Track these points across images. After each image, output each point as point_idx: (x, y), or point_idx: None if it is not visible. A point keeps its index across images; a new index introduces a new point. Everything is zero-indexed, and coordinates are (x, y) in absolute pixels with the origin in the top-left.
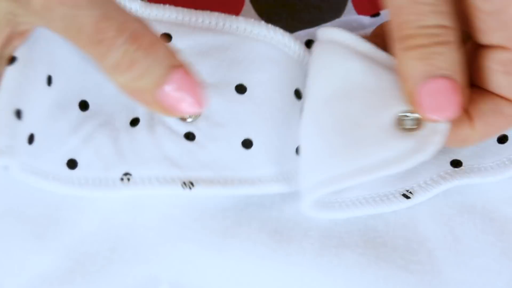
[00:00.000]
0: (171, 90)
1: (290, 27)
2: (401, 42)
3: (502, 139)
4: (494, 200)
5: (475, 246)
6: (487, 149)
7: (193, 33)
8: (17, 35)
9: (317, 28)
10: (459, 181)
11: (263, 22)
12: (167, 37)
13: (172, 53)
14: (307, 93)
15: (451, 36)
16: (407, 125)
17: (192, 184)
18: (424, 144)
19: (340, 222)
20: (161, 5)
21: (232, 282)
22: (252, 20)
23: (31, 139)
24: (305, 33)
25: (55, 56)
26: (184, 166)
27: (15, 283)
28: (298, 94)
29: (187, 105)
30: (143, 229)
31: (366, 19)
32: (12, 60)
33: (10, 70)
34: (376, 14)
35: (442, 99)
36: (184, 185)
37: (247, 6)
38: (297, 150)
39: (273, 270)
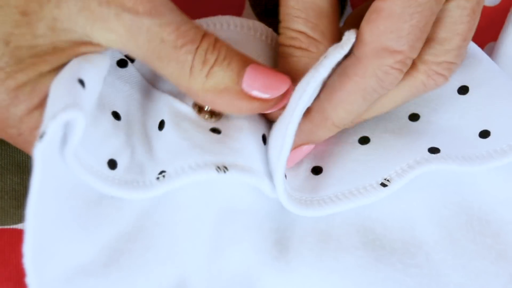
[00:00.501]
0: (250, 81)
1: None
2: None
3: (484, 134)
4: (490, 201)
5: (473, 248)
6: (467, 142)
7: None
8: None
9: None
10: (435, 165)
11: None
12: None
13: (241, 53)
14: None
15: (312, 46)
16: None
17: (226, 168)
18: None
19: (337, 225)
20: None
21: (238, 286)
22: (252, 21)
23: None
24: None
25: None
26: (216, 152)
27: (54, 271)
28: None
29: (268, 91)
30: (178, 228)
31: None
32: None
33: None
34: None
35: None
36: (218, 169)
37: (247, 10)
38: None
39: (274, 277)
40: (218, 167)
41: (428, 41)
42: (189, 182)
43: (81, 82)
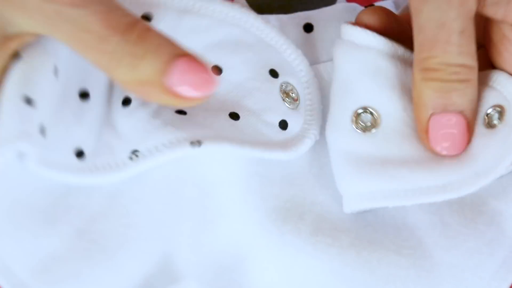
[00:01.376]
0: (178, 76)
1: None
2: (422, 72)
3: None
4: (482, 195)
5: (465, 231)
6: None
7: (172, 14)
8: (15, 37)
9: (318, 11)
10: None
11: (237, 6)
12: (146, 19)
13: (173, 43)
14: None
15: (471, 75)
16: None
17: (200, 141)
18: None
19: (332, 210)
20: None
21: (229, 259)
22: (228, 3)
23: (42, 130)
24: (305, 15)
25: (58, 45)
26: (187, 128)
27: (27, 266)
28: (273, 73)
29: (197, 89)
30: (157, 205)
31: (360, 9)
32: (16, 55)
33: (17, 63)
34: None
35: (448, 134)
36: (192, 144)
37: None
38: (280, 124)
39: (265, 249)
40: (192, 142)
41: None
42: (165, 160)
43: (28, 100)
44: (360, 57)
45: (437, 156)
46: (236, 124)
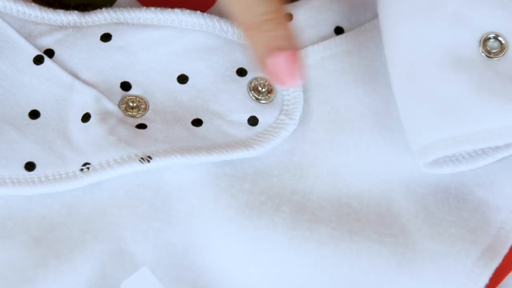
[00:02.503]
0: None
1: None
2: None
3: None
4: (467, 184)
5: (449, 219)
6: None
7: (133, 29)
8: None
9: (297, 2)
10: (435, 170)
11: (198, 12)
12: (106, 37)
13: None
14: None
15: (278, 14)
16: None
17: (149, 157)
18: None
19: (313, 199)
20: (98, 9)
21: (201, 259)
22: (188, 11)
23: None
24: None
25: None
26: (140, 145)
27: None
28: (241, 72)
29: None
30: (115, 208)
31: None
32: None
33: None
34: None
35: (283, 71)
36: (142, 160)
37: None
38: (249, 121)
39: (242, 246)
40: (142, 158)
41: None
42: (115, 175)
43: None
44: None
45: None
46: (197, 130)
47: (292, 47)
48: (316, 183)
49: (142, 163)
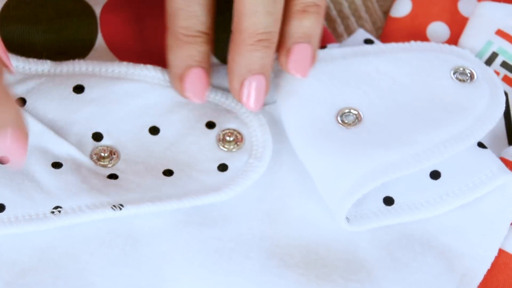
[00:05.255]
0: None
1: None
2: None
3: (435, 175)
4: (432, 230)
5: (414, 265)
6: (420, 184)
7: (106, 82)
8: None
9: None
10: (390, 221)
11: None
12: (79, 89)
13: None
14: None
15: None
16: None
17: (121, 205)
18: None
19: (281, 245)
20: (71, 61)
21: None
22: (160, 68)
23: None
24: None
25: None
26: (111, 193)
27: None
28: (210, 125)
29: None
30: (86, 255)
31: None
32: None
33: None
34: (323, 47)
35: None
36: (114, 207)
37: None
38: (219, 168)
39: None
40: (114, 206)
41: None
42: (86, 220)
43: None
44: None
45: None
46: (167, 180)
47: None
48: (284, 230)
49: (114, 210)
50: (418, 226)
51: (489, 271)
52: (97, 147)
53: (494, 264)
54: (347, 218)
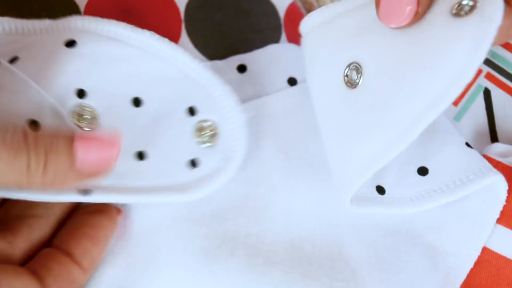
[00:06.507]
0: (85, 156)
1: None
2: None
3: (423, 172)
4: (417, 227)
5: (399, 264)
6: (408, 180)
7: (99, 40)
8: None
9: (251, 53)
10: (381, 210)
11: (167, 40)
12: (70, 44)
13: (59, 132)
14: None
15: None
16: None
17: (88, 191)
18: None
19: (266, 242)
20: (68, 17)
21: None
22: (157, 36)
23: None
24: (238, 58)
25: None
26: None
27: None
28: (191, 111)
29: (105, 162)
30: None
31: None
32: None
33: None
34: None
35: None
36: (81, 192)
37: (184, 37)
38: (191, 163)
39: None
40: (80, 190)
41: None
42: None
43: None
44: None
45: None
46: (139, 165)
47: None
48: (270, 226)
49: (80, 194)
50: (403, 223)
51: (471, 269)
52: (79, 105)
53: (477, 262)
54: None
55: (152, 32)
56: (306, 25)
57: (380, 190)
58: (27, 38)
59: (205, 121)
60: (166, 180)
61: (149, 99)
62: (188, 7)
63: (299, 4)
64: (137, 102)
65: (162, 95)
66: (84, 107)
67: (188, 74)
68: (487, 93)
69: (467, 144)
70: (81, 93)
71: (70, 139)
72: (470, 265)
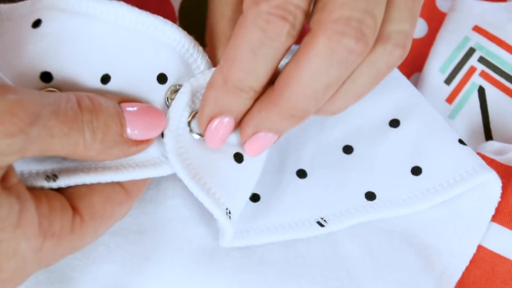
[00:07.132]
0: (133, 125)
1: None
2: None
3: (416, 171)
4: (412, 227)
5: (393, 263)
6: (400, 179)
7: (63, 17)
8: None
9: None
10: (372, 215)
11: (136, 9)
12: (36, 24)
13: (109, 99)
14: None
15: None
16: None
17: (56, 176)
18: None
19: (260, 243)
20: None
21: None
22: (126, 5)
23: None
24: None
25: None
26: (46, 162)
27: None
28: (162, 78)
29: (153, 129)
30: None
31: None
32: None
33: None
34: None
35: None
36: (48, 178)
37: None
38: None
39: None
40: (48, 176)
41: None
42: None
43: None
44: None
45: None
46: None
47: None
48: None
49: (48, 181)
50: (398, 222)
51: (466, 266)
52: (44, 88)
53: (471, 260)
54: (324, 220)
55: (120, 2)
56: None
57: (370, 196)
58: (4, 23)
59: (176, 86)
60: (135, 157)
61: (116, 73)
62: (182, 6)
63: None
64: (105, 79)
65: (130, 67)
66: (49, 91)
67: (158, 39)
68: (481, 91)
69: (460, 141)
70: (46, 76)
71: (118, 111)
72: (465, 263)
